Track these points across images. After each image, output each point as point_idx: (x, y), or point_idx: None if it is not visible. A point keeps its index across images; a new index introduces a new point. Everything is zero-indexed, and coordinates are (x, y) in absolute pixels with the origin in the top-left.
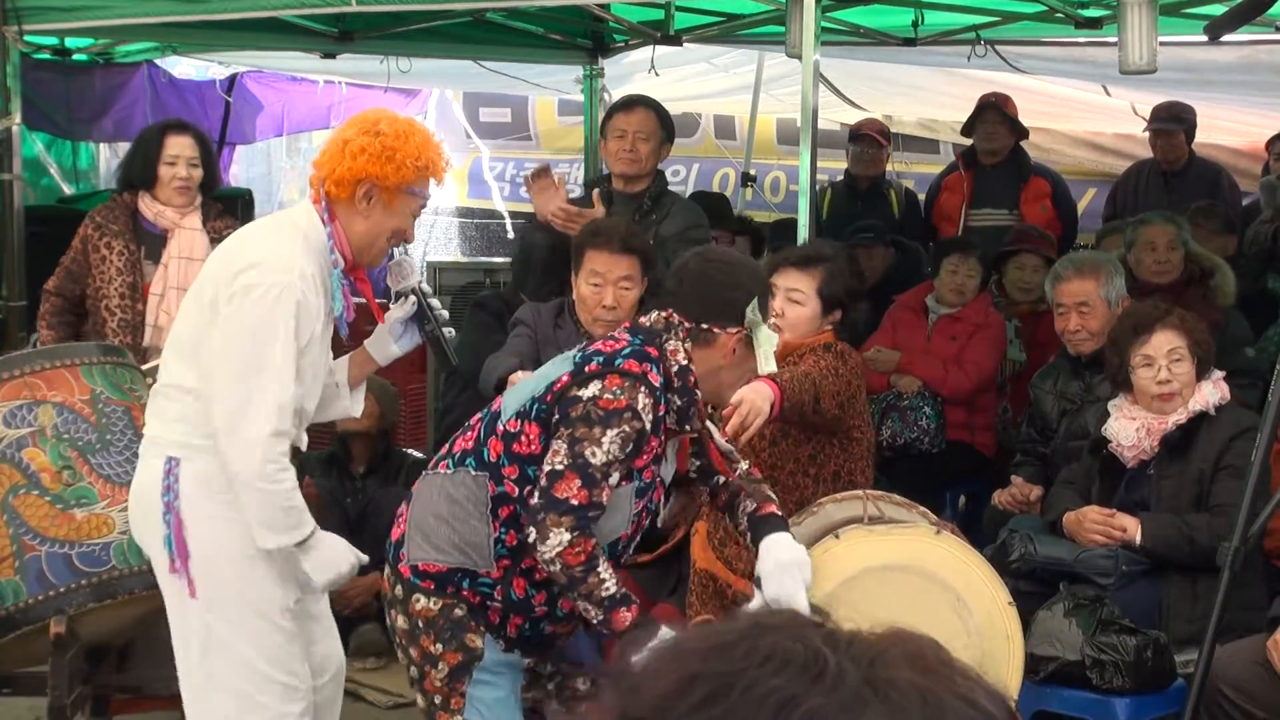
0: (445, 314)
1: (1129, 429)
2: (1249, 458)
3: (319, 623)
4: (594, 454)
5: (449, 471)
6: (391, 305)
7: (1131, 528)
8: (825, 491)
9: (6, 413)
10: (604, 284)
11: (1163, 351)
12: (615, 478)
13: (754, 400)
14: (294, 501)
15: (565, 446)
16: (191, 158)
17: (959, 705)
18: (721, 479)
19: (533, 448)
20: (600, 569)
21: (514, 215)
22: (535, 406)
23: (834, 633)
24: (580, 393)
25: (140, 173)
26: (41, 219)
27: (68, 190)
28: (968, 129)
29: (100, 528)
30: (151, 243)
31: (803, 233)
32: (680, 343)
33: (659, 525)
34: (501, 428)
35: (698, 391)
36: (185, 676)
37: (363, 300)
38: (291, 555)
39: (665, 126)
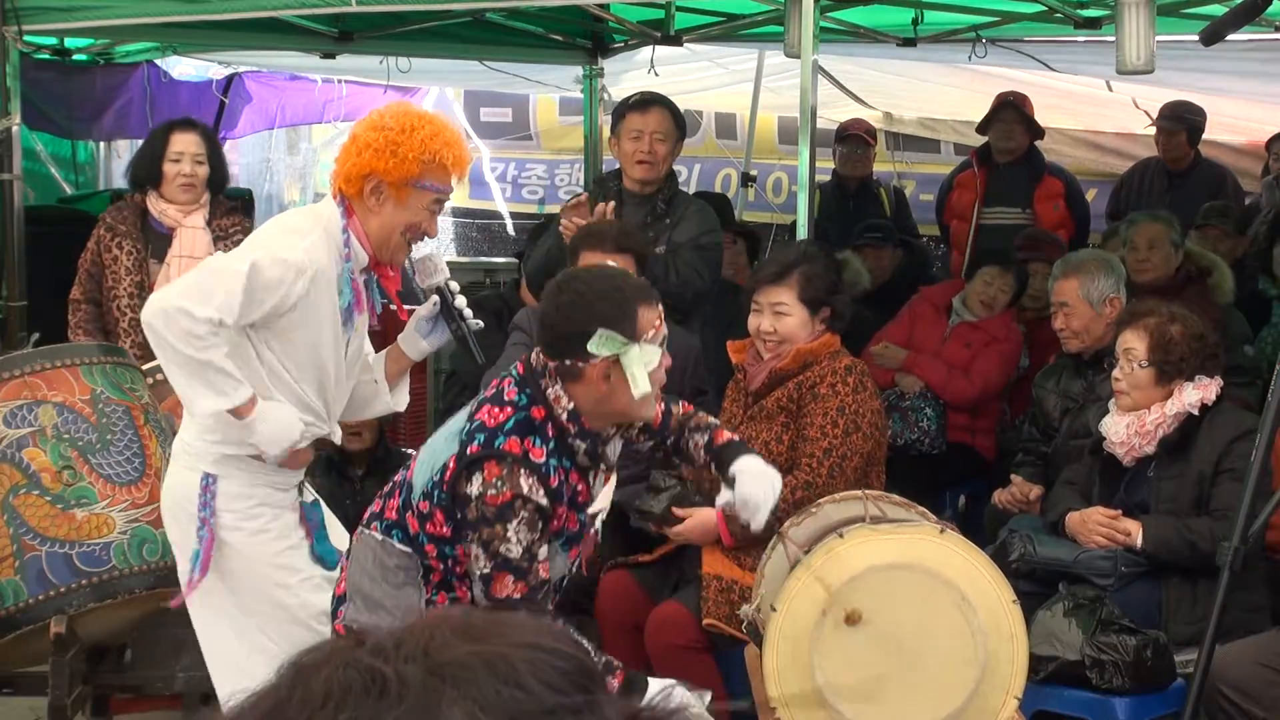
0: (469, 311)
1: (1119, 425)
2: (1249, 460)
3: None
4: (509, 549)
5: (379, 537)
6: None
7: (1135, 531)
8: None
9: (7, 413)
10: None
11: (1121, 349)
12: (542, 552)
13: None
14: (223, 366)
15: (481, 550)
16: (197, 155)
17: (526, 654)
18: (666, 435)
19: (443, 530)
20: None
21: (515, 216)
22: (436, 492)
23: (378, 643)
24: (468, 490)
25: (146, 171)
26: (41, 219)
27: (68, 190)
28: (983, 127)
29: (100, 528)
30: (159, 242)
31: (802, 232)
32: (555, 385)
33: (653, 512)
34: (415, 504)
35: (590, 431)
36: (217, 679)
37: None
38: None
39: (679, 125)
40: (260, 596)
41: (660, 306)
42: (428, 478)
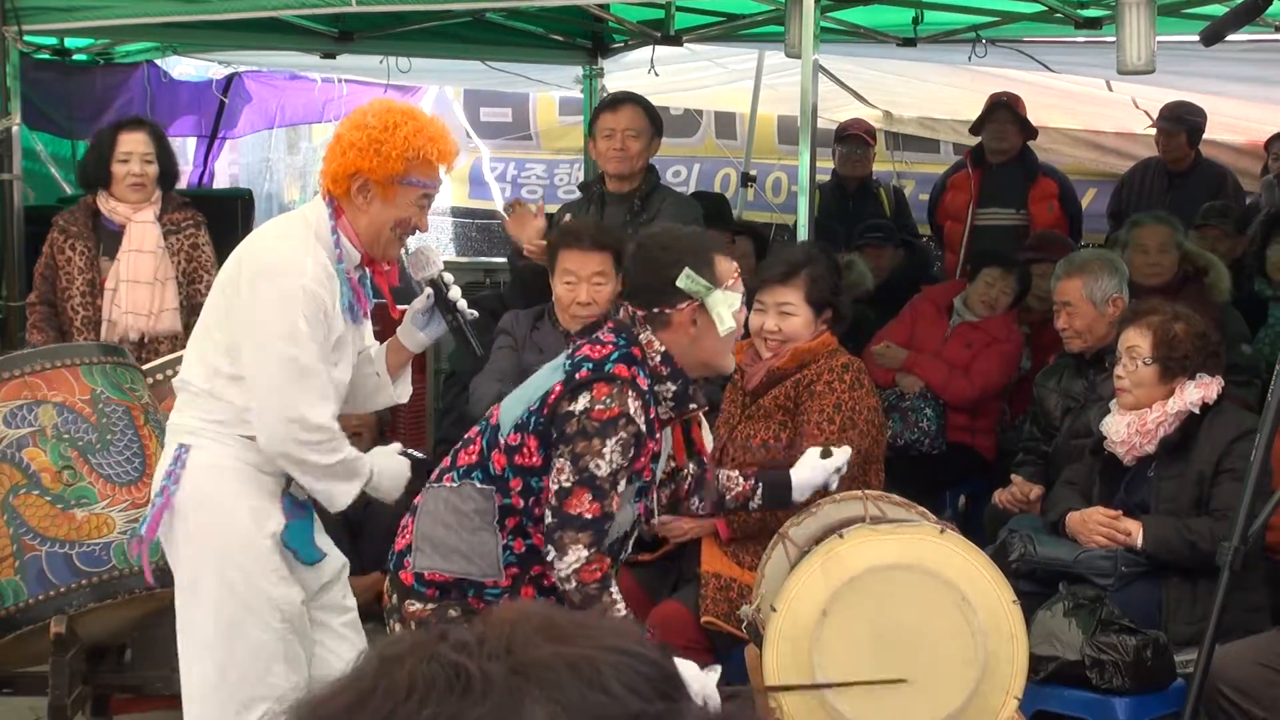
0: (464, 302)
1: (1120, 424)
2: (1250, 460)
3: (339, 636)
4: (599, 466)
5: (454, 484)
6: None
7: (1135, 531)
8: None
9: (7, 413)
10: (578, 281)
11: (1124, 348)
12: (623, 484)
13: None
14: (347, 454)
15: (569, 463)
16: (145, 154)
17: (611, 657)
18: (689, 471)
19: (534, 460)
20: (614, 589)
21: None
22: (532, 419)
23: (460, 638)
24: (572, 407)
25: (94, 171)
26: (41, 219)
27: (68, 190)
28: (977, 128)
29: (100, 528)
30: (110, 240)
31: (802, 232)
32: (647, 332)
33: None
34: (503, 441)
35: (687, 376)
36: (183, 667)
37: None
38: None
39: (654, 122)
40: (219, 580)
41: (735, 262)
42: (522, 410)
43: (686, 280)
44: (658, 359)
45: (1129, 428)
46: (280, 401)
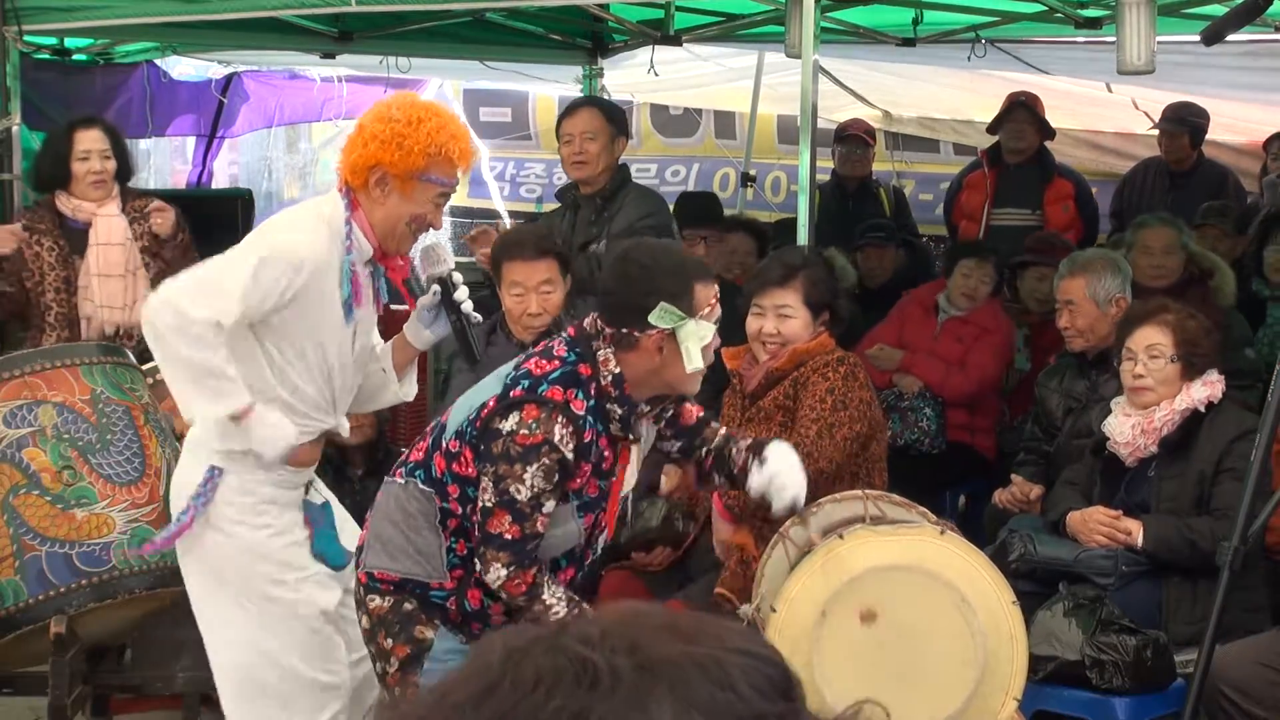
0: (470, 304)
1: (1124, 425)
2: (1250, 459)
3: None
4: (518, 490)
5: (402, 482)
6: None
7: (1135, 531)
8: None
9: (7, 413)
10: (526, 292)
11: (1141, 346)
12: (549, 505)
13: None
14: (223, 370)
15: (491, 484)
16: (103, 150)
17: (737, 659)
18: (696, 440)
19: (469, 470)
20: (545, 596)
21: (513, 215)
22: (469, 429)
23: (583, 632)
24: (500, 425)
25: (52, 171)
26: None
27: None
28: (994, 127)
29: (100, 528)
30: (76, 238)
31: (802, 233)
32: (607, 350)
33: (649, 526)
34: (445, 444)
35: (632, 400)
36: (220, 674)
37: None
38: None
39: (614, 121)
40: (256, 593)
41: (715, 287)
42: (464, 418)
43: (660, 315)
44: (608, 379)
45: (1134, 429)
46: (189, 281)
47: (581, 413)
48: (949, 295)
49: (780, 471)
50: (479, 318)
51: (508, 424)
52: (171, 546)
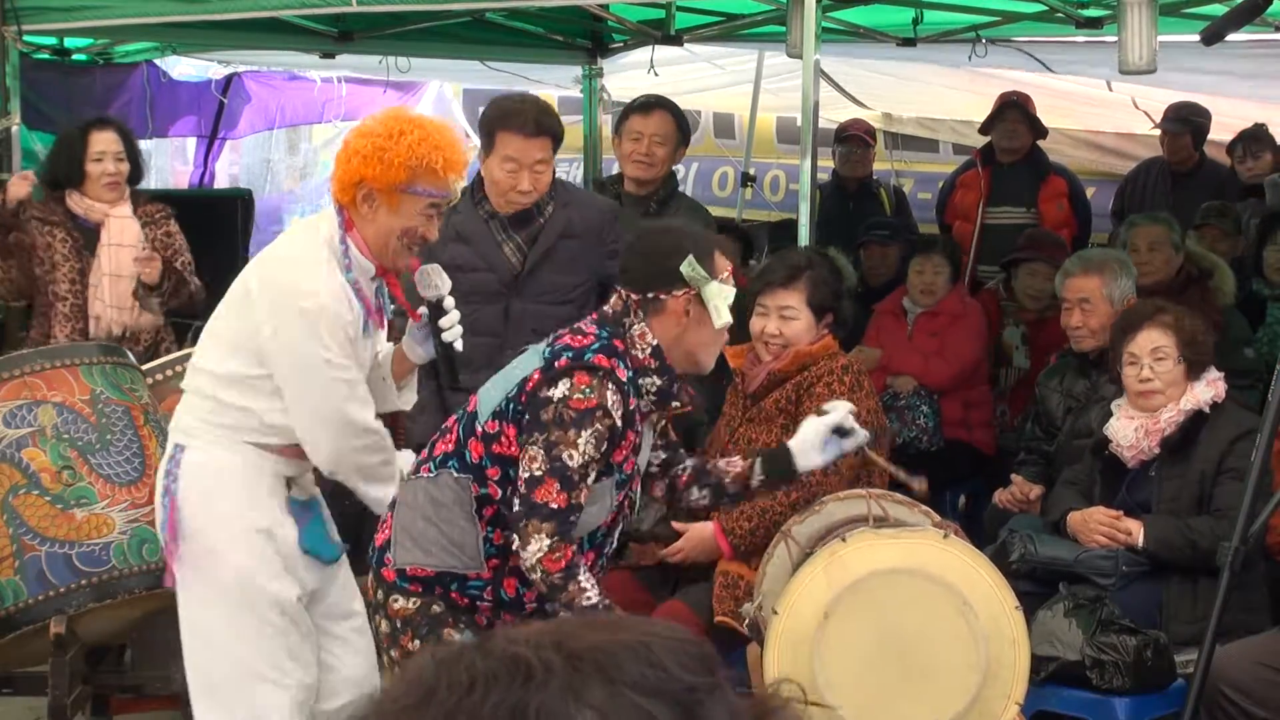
0: (455, 331)
1: (1128, 429)
2: (1251, 459)
3: (344, 642)
4: (571, 456)
5: (431, 475)
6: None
7: (1136, 531)
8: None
9: (6, 413)
10: (520, 168)
11: (1146, 350)
12: (593, 477)
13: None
14: (390, 453)
15: (541, 451)
16: (117, 152)
17: (662, 641)
18: (679, 460)
19: (513, 449)
20: (581, 578)
21: None
22: (510, 406)
23: (510, 635)
24: (550, 393)
25: (66, 172)
26: None
27: None
28: (986, 127)
29: (100, 528)
30: (87, 238)
31: (803, 233)
32: (640, 322)
33: (640, 529)
34: (480, 429)
35: (671, 367)
36: (188, 666)
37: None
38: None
39: (682, 129)
40: (215, 578)
41: (731, 259)
42: (500, 398)
43: (689, 268)
44: (647, 351)
45: (1137, 431)
46: (336, 421)
47: (625, 380)
48: (911, 295)
49: (836, 405)
50: (460, 349)
51: (559, 390)
52: (177, 536)
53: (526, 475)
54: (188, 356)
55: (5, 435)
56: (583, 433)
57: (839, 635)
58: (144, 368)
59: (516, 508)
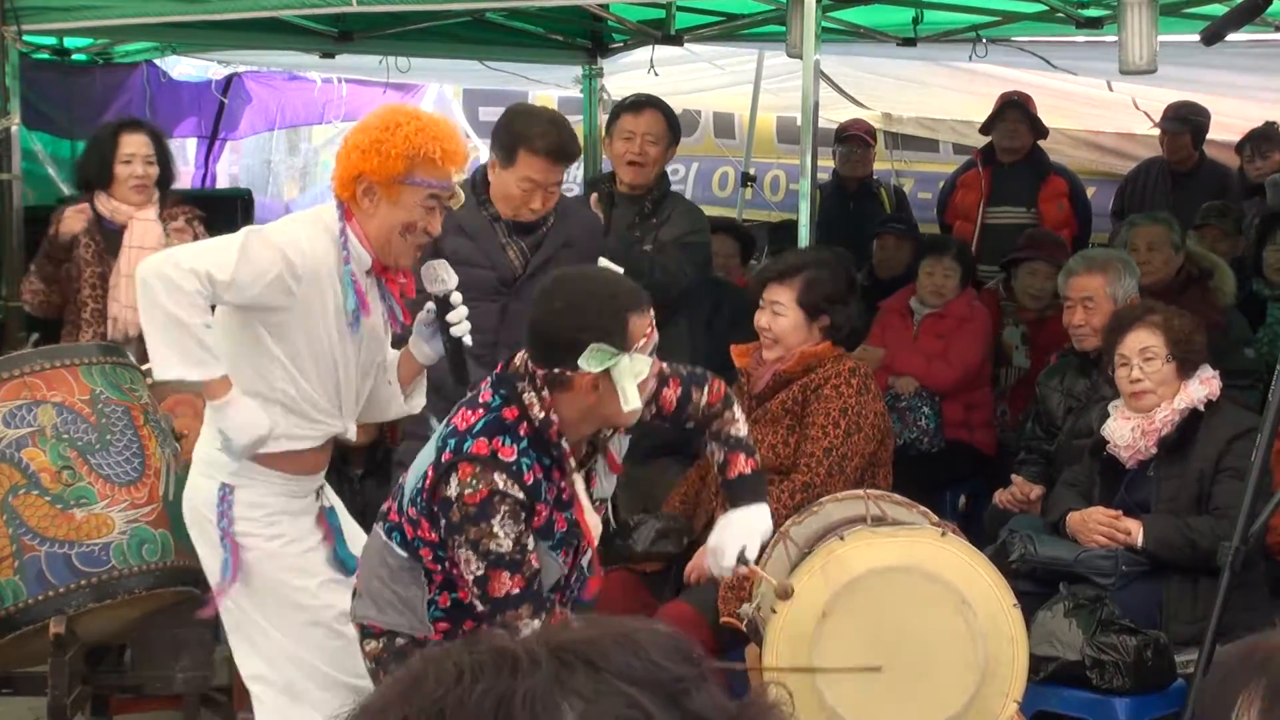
0: (464, 327)
1: (1124, 429)
2: (1249, 459)
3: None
4: (498, 544)
5: (384, 540)
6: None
7: (1135, 531)
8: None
9: (6, 413)
10: (535, 188)
11: (1135, 351)
12: (531, 542)
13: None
14: (202, 336)
15: (470, 553)
16: (147, 155)
17: (646, 635)
18: (684, 420)
19: (432, 536)
20: None
21: None
22: (420, 500)
23: (496, 634)
24: (447, 492)
25: (96, 173)
26: (41, 219)
27: (66, 190)
28: (987, 127)
29: (100, 528)
30: (112, 240)
31: (803, 233)
32: (535, 393)
33: (635, 549)
34: (406, 512)
35: (562, 442)
36: (256, 689)
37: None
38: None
39: (673, 128)
40: (280, 601)
41: (650, 312)
42: (414, 484)
43: (590, 358)
44: (536, 422)
45: (1134, 431)
46: (185, 246)
47: (511, 459)
48: (919, 296)
49: (718, 544)
50: (470, 342)
51: (451, 489)
52: (238, 575)
53: (471, 578)
54: None
55: (5, 435)
56: (493, 521)
57: (837, 634)
58: (144, 368)
59: (481, 609)
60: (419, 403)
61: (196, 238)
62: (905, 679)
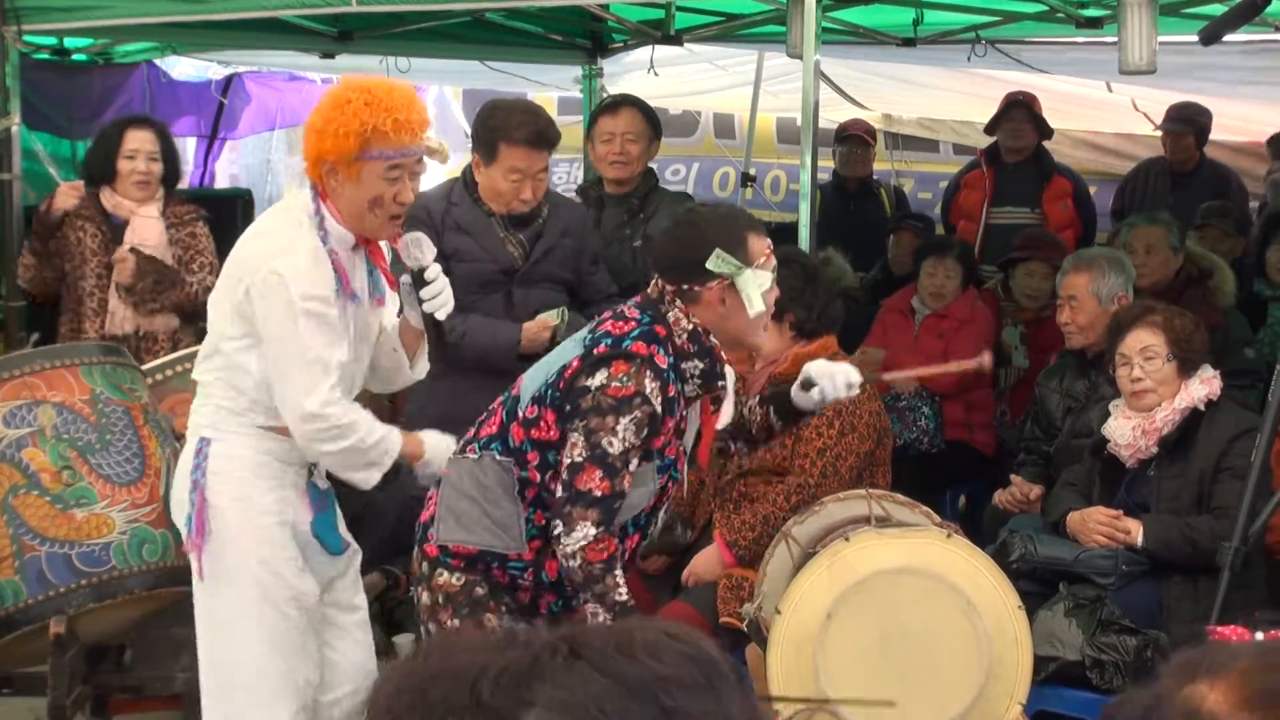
0: (442, 298)
1: (1125, 428)
2: (1250, 458)
3: (346, 634)
4: (611, 443)
5: (475, 456)
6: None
7: (1135, 530)
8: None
9: (6, 413)
10: (524, 178)
11: (1135, 350)
12: (634, 463)
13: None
14: (364, 444)
15: (582, 439)
16: (151, 152)
17: (646, 634)
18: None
19: (551, 434)
20: (618, 573)
21: None
22: (549, 393)
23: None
24: (589, 382)
25: (100, 167)
26: None
27: None
28: (992, 126)
29: (100, 528)
30: (116, 234)
31: (804, 233)
32: (677, 309)
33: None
34: (521, 413)
35: (715, 347)
36: (203, 660)
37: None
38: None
39: (653, 125)
40: (240, 569)
41: (768, 239)
42: (541, 383)
43: (716, 261)
44: (685, 336)
45: (1134, 431)
46: (290, 399)
47: (665, 367)
48: (920, 296)
49: (821, 368)
50: (443, 316)
51: (596, 380)
52: (204, 535)
53: (569, 461)
54: (187, 356)
55: (5, 435)
56: (621, 420)
57: (842, 635)
58: (144, 368)
59: (560, 493)
60: (422, 370)
61: (194, 235)
62: (910, 680)
